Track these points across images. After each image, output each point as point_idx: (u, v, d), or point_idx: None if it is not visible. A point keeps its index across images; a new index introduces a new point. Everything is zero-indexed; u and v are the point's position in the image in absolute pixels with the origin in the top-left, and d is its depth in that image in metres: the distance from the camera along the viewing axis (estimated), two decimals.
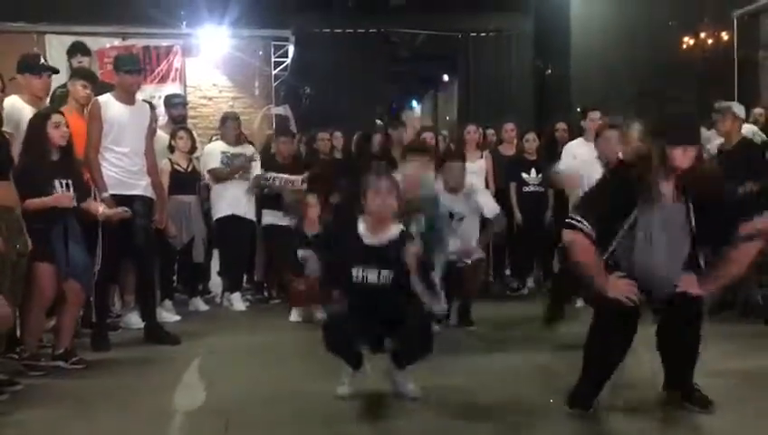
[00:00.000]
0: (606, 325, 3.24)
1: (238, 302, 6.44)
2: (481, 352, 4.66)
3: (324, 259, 3.82)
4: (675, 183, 3.21)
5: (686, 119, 3.46)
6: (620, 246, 3.22)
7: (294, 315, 5.89)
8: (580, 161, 5.84)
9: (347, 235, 3.71)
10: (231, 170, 6.51)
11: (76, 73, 5.37)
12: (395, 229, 3.66)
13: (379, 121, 7.87)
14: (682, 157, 3.16)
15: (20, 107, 4.80)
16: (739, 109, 5.81)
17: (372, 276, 3.60)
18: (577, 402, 3.30)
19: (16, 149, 4.45)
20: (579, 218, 3.19)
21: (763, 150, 5.82)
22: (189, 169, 6.33)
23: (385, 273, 3.59)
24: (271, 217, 6.62)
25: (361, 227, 3.67)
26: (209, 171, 6.53)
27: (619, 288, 3.15)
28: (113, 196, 4.86)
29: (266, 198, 6.64)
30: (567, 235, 3.21)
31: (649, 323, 3.32)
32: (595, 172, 5.09)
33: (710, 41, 9.13)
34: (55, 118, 4.34)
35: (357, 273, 3.62)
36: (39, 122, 4.34)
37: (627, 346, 3.26)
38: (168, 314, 5.82)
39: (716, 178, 3.44)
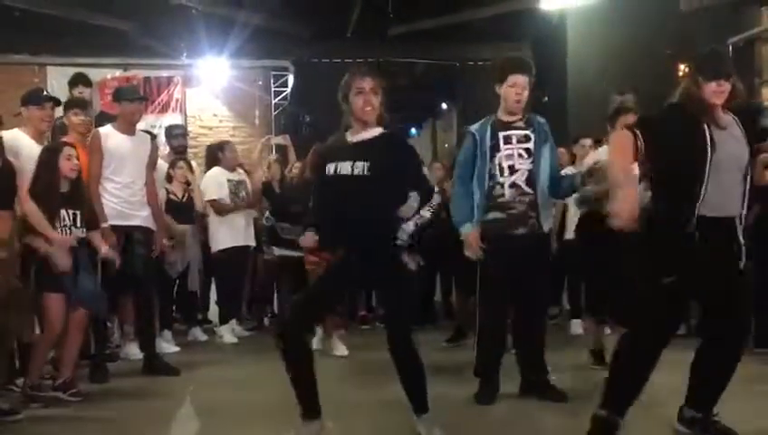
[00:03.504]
0: (639, 342, 3.11)
1: (228, 334, 6.39)
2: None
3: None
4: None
5: (716, 53, 3.30)
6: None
7: (340, 349, 5.62)
8: None
9: (336, 144, 3.46)
10: (236, 206, 6.51)
11: (67, 104, 5.37)
12: (378, 129, 3.39)
13: None
14: (716, 90, 3.10)
15: (20, 138, 4.82)
16: None
17: (345, 168, 3.28)
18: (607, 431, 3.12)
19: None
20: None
21: None
22: (185, 199, 6.37)
23: (360, 164, 3.25)
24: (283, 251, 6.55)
25: (348, 133, 3.42)
26: (212, 202, 6.49)
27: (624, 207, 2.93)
28: (113, 226, 4.88)
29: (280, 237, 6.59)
30: (618, 134, 3.11)
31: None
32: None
33: None
34: (67, 151, 4.38)
35: (329, 169, 3.32)
36: (51, 155, 4.37)
37: (655, 363, 3.12)
38: (167, 345, 5.81)
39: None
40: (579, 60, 9.43)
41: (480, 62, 12.26)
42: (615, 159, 3.11)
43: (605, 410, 3.12)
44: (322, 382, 3.34)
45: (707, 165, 3.02)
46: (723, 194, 3.06)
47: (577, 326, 6.34)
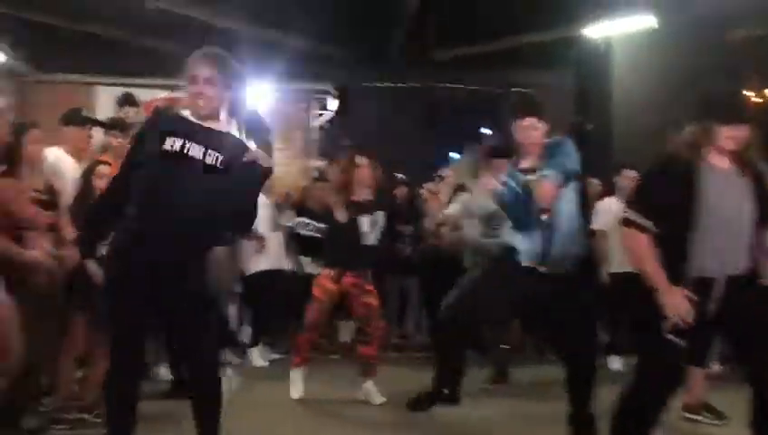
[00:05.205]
0: (649, 384, 2.97)
1: (257, 358, 6.38)
2: None
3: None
4: (731, 159, 2.95)
5: (732, 94, 3.05)
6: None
7: (296, 390, 5.12)
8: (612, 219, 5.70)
9: (176, 117, 2.93)
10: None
11: (108, 127, 5.42)
12: (226, 127, 2.90)
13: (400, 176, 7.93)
14: (731, 136, 2.89)
15: (63, 158, 4.90)
16: None
17: (196, 150, 2.75)
18: None
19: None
20: (635, 214, 2.95)
21: None
22: None
23: (213, 153, 2.76)
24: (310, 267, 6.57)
25: (187, 113, 2.93)
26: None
27: (677, 306, 2.81)
28: None
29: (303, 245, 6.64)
30: (627, 235, 2.94)
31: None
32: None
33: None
34: (99, 169, 4.42)
35: (173, 143, 2.74)
36: (86, 175, 4.43)
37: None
38: None
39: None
40: (625, 88, 9.28)
41: (524, 89, 12.16)
42: (642, 267, 2.94)
43: None
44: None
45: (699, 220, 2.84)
46: (716, 252, 2.87)
47: (615, 361, 6.16)
